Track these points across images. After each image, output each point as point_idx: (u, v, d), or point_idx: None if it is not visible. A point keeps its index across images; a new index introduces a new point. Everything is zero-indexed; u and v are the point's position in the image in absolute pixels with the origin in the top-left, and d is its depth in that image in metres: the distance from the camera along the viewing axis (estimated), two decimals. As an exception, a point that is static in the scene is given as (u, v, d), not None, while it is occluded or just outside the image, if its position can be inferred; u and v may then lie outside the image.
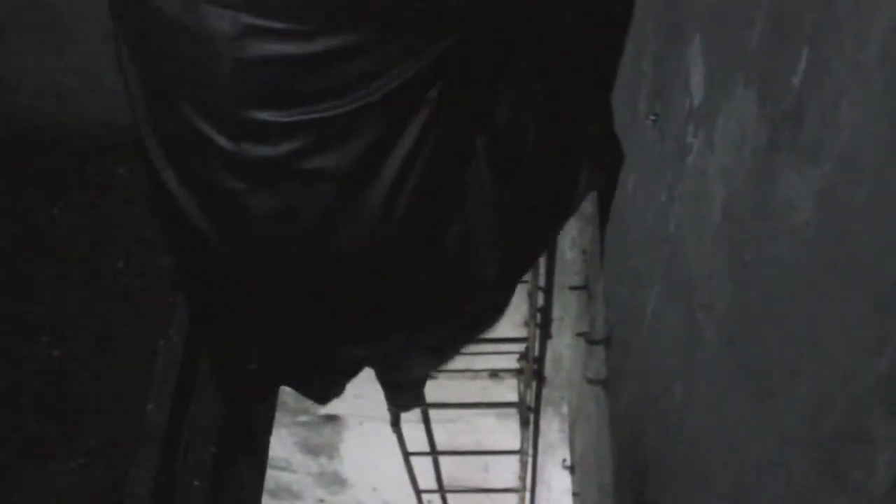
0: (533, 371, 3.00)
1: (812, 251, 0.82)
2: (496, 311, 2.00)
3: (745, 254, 1.05)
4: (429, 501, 3.91)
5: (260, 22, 1.33)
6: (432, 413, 3.04)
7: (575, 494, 3.54)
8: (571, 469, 3.60)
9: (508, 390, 3.70)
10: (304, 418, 4.10)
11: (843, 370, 0.75)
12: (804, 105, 0.82)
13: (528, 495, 4.09)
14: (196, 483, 1.67)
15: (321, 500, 4.78)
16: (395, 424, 2.75)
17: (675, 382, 1.44)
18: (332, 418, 4.13)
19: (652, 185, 1.64)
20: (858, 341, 0.71)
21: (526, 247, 1.97)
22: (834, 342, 0.77)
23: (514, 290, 2.00)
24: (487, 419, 4.05)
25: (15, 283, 2.20)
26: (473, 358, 3.34)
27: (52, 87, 2.41)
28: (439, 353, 2.14)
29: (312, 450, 4.38)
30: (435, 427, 3.14)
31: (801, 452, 0.87)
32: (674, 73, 1.45)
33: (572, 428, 3.60)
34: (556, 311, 2.92)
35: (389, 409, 2.63)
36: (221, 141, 1.48)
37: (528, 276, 2.43)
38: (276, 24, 1.34)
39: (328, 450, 4.38)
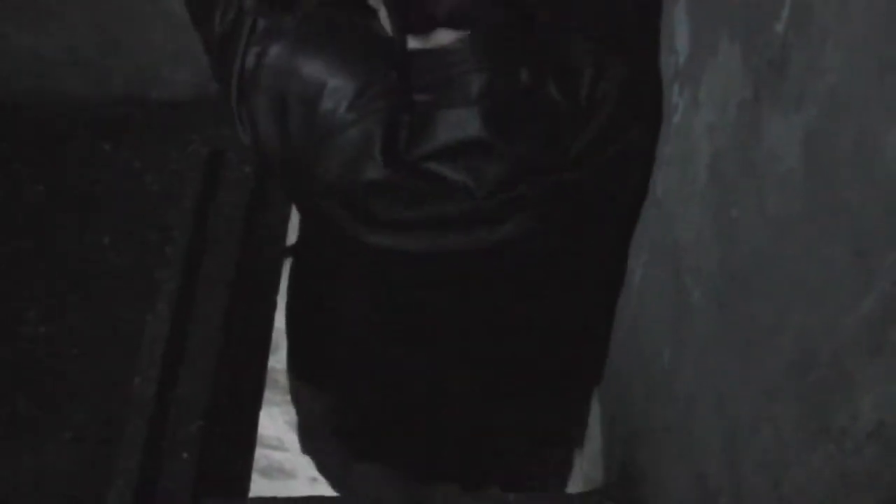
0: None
1: (797, 199, 0.81)
2: None
3: (731, 210, 1.04)
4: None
5: None
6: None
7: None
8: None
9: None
10: (295, 397, 4.09)
11: (827, 316, 0.74)
12: (788, 51, 0.81)
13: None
14: (185, 455, 1.66)
15: (314, 479, 4.79)
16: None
17: (664, 348, 1.43)
18: (323, 396, 4.12)
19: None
20: (843, 285, 0.71)
21: None
22: (818, 290, 0.76)
23: None
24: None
25: (0, 260, 2.18)
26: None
27: (33, 63, 2.38)
28: None
29: (305, 428, 4.38)
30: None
31: (788, 405, 0.86)
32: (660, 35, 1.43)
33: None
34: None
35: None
36: None
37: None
38: None
39: (321, 428, 4.38)
